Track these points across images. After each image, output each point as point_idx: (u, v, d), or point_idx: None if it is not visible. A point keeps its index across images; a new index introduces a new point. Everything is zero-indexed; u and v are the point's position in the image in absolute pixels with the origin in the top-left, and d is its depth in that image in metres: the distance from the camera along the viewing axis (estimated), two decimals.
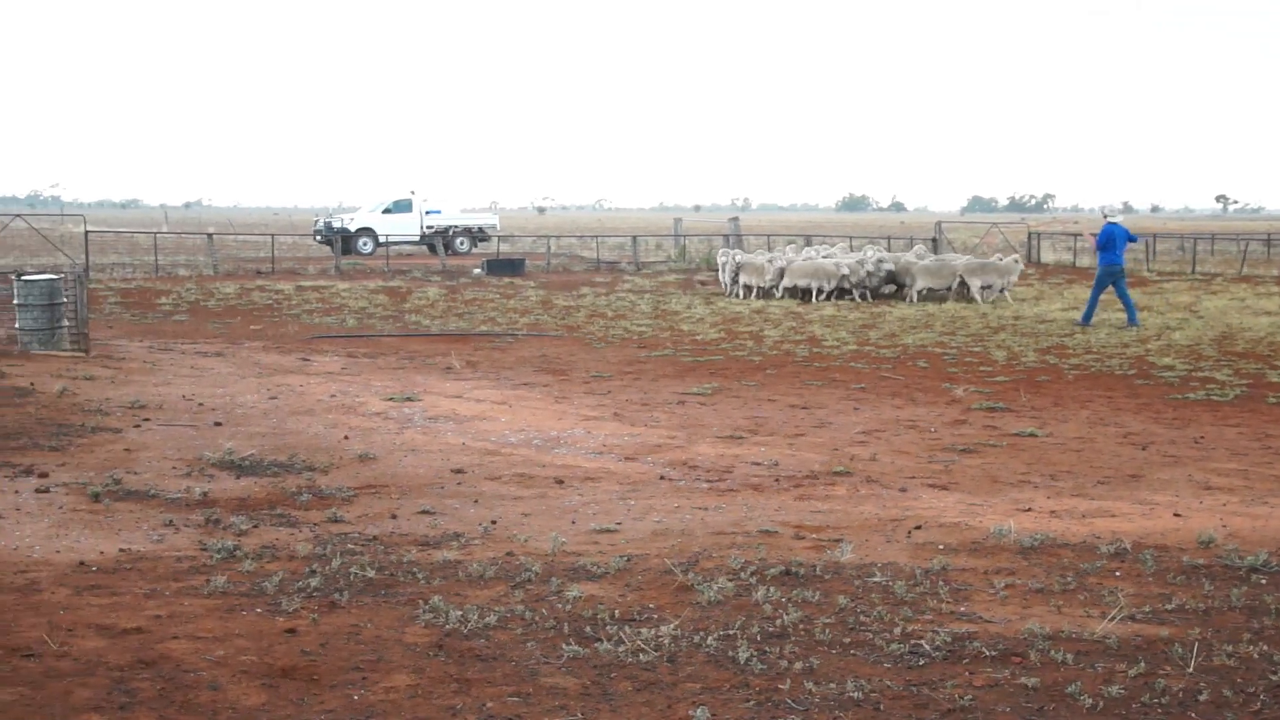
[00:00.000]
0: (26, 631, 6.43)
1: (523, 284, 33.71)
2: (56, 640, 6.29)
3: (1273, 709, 5.59)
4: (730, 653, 6.20)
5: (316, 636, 6.44)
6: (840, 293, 28.50)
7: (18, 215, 47.89)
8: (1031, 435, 12.34)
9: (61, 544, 8.13)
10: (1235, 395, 14.87)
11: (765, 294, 29.06)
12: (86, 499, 9.29)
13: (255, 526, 8.64)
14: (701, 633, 6.50)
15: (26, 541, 8.16)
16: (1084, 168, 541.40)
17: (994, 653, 6.24)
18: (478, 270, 38.35)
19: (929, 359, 18.34)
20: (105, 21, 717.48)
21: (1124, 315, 23.02)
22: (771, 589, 7.20)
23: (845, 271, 28.35)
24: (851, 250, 34.33)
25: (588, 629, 6.56)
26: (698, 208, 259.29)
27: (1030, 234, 47.58)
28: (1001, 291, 28.08)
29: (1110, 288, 23.22)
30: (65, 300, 18.53)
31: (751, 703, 5.63)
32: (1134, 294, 29.65)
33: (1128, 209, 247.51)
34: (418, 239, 49.19)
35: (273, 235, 48.82)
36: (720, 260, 30.88)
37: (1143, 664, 6.08)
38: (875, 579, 7.45)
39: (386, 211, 49.59)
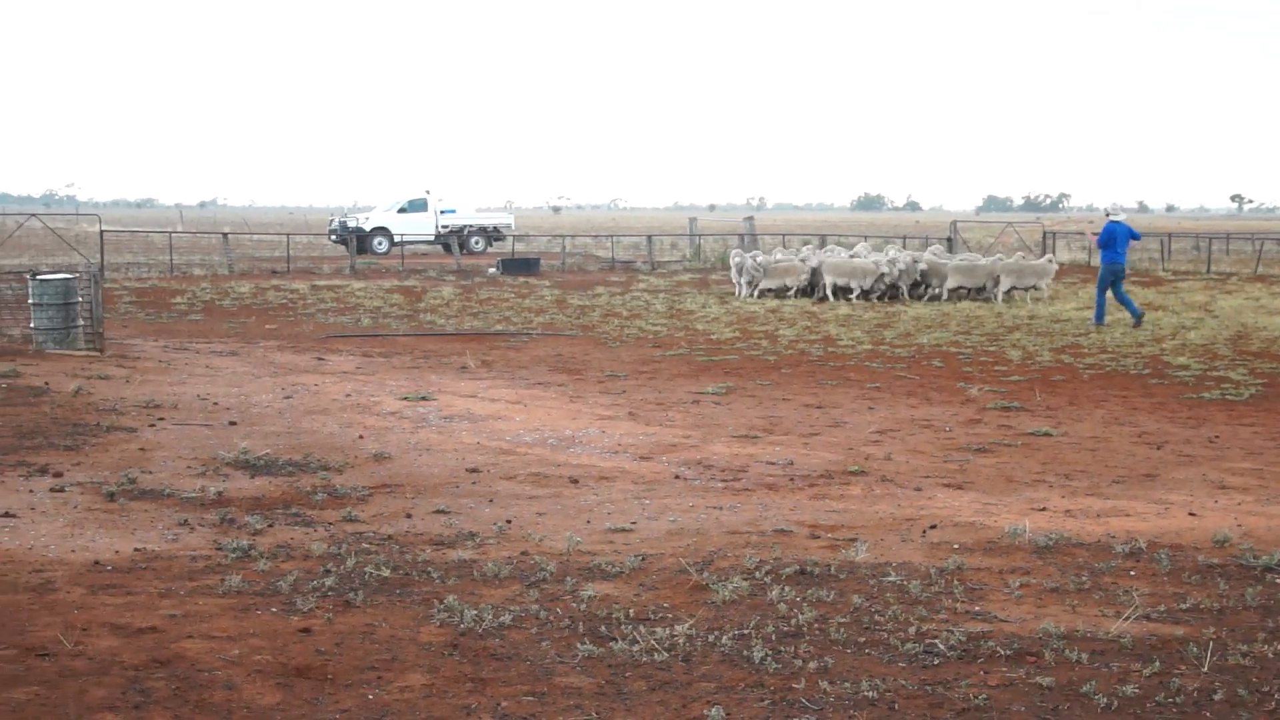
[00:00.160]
0: (41, 631, 6.45)
1: (538, 283, 33.74)
2: (71, 639, 6.31)
3: None
4: (745, 652, 6.19)
5: (331, 636, 6.45)
6: (863, 293, 28.38)
7: (33, 215, 48.01)
8: (1046, 435, 12.31)
9: (76, 543, 8.15)
10: (1250, 395, 14.83)
11: (779, 294, 28.92)
12: (101, 498, 9.31)
13: (270, 526, 8.66)
14: (716, 632, 6.50)
15: (42, 541, 8.18)
16: (1099, 168, 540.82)
17: (1009, 652, 6.23)
18: (493, 270, 38.36)
19: (944, 358, 18.31)
20: (120, 21, 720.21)
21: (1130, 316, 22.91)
22: (786, 588, 7.20)
23: (884, 270, 28.33)
24: (874, 250, 34.23)
25: (602, 628, 6.56)
26: (713, 207, 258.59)
27: (1045, 233, 47.45)
28: (1036, 290, 27.99)
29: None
30: (80, 300, 18.58)
31: (766, 702, 5.62)
32: (1149, 293, 29.74)
33: (1143, 208, 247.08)
34: (433, 238, 49.16)
35: (288, 235, 48.84)
36: (733, 261, 30.72)
37: (1157, 663, 6.07)
38: (890, 578, 7.45)
39: (401, 211, 49.64)
